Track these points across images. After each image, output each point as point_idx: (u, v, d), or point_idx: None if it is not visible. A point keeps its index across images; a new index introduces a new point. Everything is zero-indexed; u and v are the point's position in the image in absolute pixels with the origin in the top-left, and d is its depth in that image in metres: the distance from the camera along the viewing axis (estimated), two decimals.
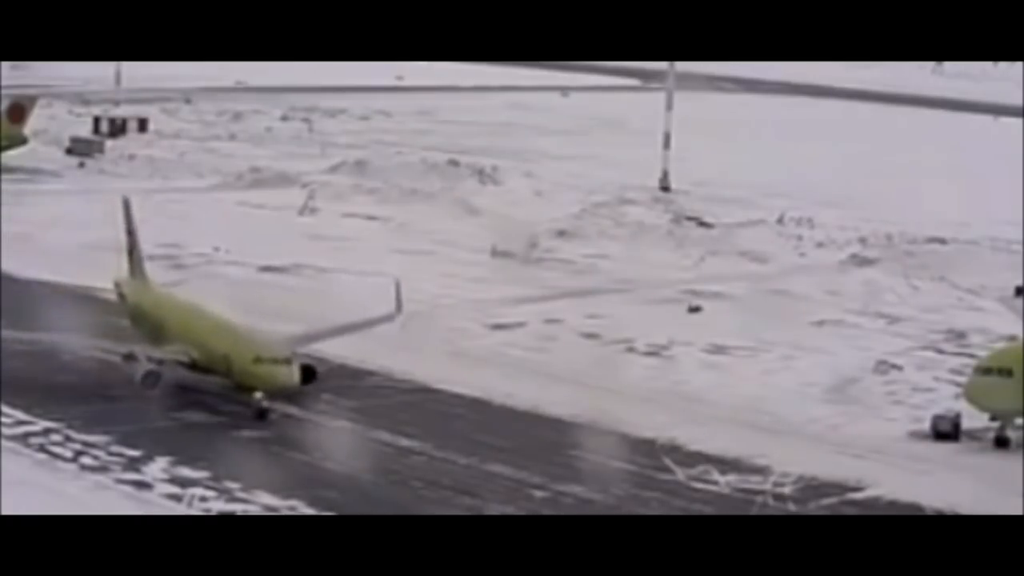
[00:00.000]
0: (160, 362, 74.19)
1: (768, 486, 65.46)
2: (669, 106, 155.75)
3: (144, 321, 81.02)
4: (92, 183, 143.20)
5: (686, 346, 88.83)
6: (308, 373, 73.57)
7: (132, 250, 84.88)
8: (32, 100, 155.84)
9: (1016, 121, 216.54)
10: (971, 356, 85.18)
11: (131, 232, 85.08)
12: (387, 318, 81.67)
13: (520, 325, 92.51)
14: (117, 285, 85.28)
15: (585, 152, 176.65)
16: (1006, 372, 71.97)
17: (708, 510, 62.45)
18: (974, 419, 73.05)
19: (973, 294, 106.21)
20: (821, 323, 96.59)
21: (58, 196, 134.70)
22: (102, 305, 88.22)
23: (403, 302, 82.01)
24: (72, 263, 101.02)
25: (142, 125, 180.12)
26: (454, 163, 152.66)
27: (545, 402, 76.47)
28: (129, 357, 74.73)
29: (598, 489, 64.14)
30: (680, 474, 66.71)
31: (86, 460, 65.38)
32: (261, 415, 71.39)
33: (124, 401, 72.97)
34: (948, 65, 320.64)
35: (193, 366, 74.73)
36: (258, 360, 71.07)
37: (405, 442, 69.86)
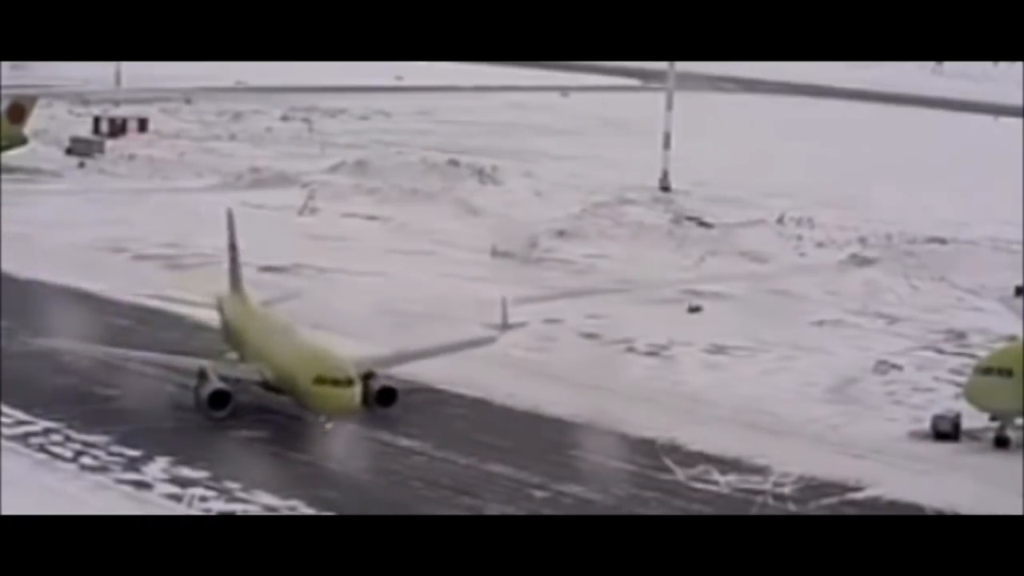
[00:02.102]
0: (237, 381, 71.48)
1: (768, 486, 65.42)
2: (669, 106, 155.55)
3: (235, 339, 77.39)
4: (92, 183, 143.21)
5: (686, 346, 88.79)
6: (387, 395, 71.44)
7: (233, 264, 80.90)
8: (32, 100, 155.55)
9: (1016, 121, 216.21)
10: (971, 356, 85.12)
11: (233, 246, 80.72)
12: (487, 340, 79.12)
13: (520, 325, 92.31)
14: (217, 301, 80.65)
15: (585, 152, 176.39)
16: (1006, 372, 71.88)
17: (708, 510, 62.41)
18: (974, 419, 73.05)
19: (973, 294, 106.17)
20: (821, 323, 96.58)
21: (58, 196, 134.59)
22: (101, 306, 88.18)
23: (507, 318, 78.83)
24: (72, 264, 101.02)
25: (142, 125, 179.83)
26: (454, 163, 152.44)
27: (545, 402, 76.42)
28: (200, 375, 71.43)
29: (598, 489, 64.11)
30: (680, 474, 66.66)
31: (86, 460, 65.32)
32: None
33: (121, 401, 73.11)
34: (948, 65, 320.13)
35: (266, 385, 71.91)
36: (319, 380, 67.85)
37: (405, 442, 69.82)
